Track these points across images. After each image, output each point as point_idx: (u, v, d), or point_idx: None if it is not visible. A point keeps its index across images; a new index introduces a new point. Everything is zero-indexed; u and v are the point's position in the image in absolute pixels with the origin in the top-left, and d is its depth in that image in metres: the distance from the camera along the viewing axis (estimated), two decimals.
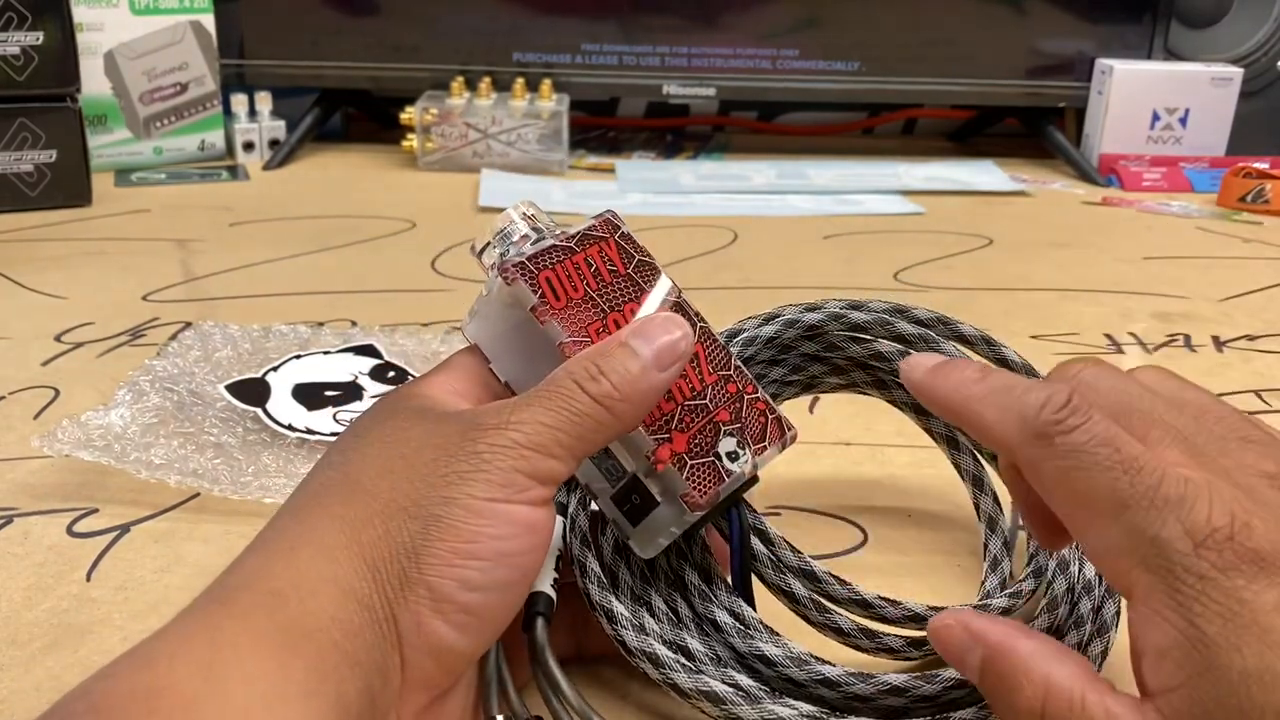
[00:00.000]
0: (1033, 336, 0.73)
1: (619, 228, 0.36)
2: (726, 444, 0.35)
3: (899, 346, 0.43)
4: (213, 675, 0.25)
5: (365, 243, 0.92)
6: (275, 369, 0.59)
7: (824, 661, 0.34)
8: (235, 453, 0.52)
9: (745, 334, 0.43)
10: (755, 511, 0.38)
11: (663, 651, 0.33)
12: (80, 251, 0.89)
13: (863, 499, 0.52)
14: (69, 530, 0.48)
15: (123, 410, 0.54)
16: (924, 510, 0.51)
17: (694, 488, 0.34)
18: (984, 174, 1.23)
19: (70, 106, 1.00)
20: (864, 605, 0.37)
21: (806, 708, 0.33)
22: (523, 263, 0.34)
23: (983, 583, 0.42)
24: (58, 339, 0.70)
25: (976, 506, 0.45)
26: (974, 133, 1.46)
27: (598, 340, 0.33)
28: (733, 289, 0.82)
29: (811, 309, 0.43)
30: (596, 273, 0.35)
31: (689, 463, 0.34)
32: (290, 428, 0.54)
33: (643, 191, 1.13)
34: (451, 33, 1.23)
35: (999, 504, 0.44)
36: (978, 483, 0.45)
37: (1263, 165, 1.12)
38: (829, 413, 0.61)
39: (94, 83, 1.11)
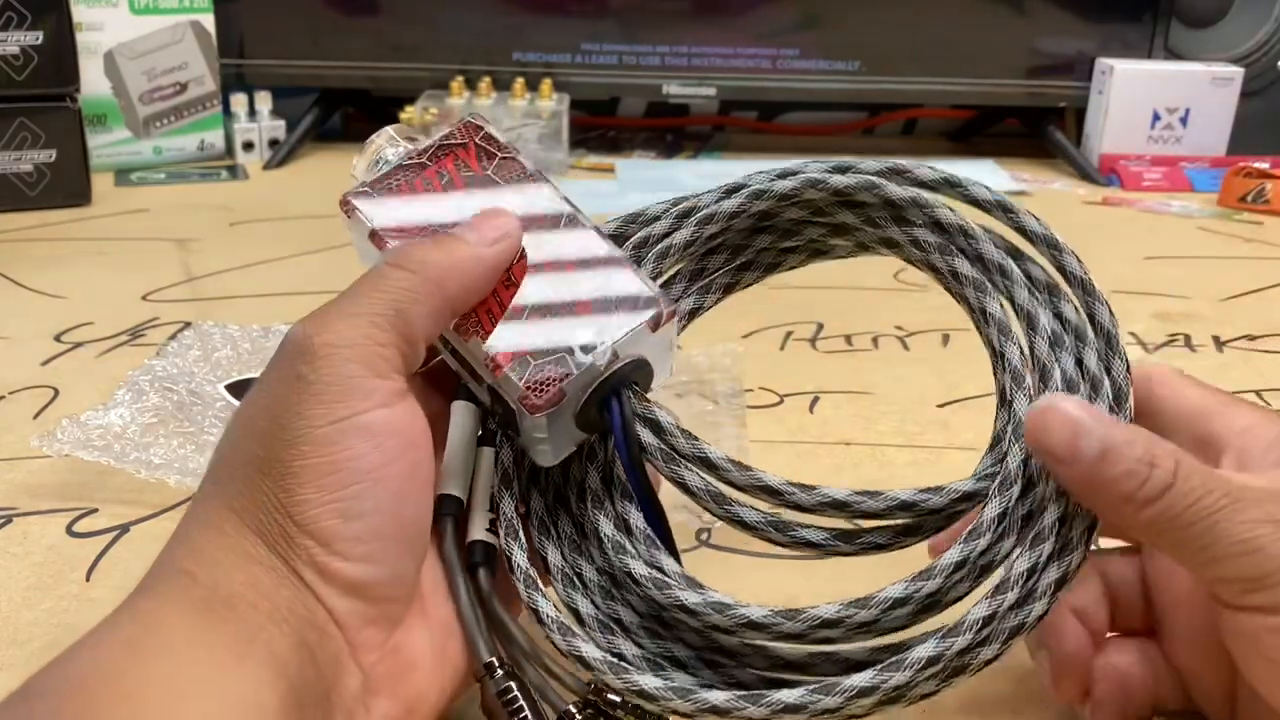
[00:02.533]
0: None
1: (481, 129, 0.34)
2: (581, 335, 0.32)
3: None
4: (137, 651, 0.26)
5: None
6: None
7: (742, 605, 0.31)
8: None
9: (702, 211, 0.37)
10: (649, 400, 0.34)
11: (591, 651, 0.31)
12: (80, 251, 0.89)
13: None
14: (69, 530, 0.48)
15: (122, 410, 0.54)
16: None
17: (532, 390, 0.32)
18: (984, 174, 1.22)
19: (70, 106, 1.00)
20: (770, 492, 0.33)
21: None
22: (364, 190, 0.33)
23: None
24: (57, 339, 0.70)
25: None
26: (974, 133, 1.46)
27: None
28: None
29: (784, 175, 0.38)
30: (448, 184, 0.33)
31: (532, 362, 0.32)
32: None
33: (643, 191, 1.13)
34: (451, 32, 1.22)
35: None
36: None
37: (1263, 165, 1.12)
38: (829, 413, 0.61)
39: (94, 82, 1.11)
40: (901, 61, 1.25)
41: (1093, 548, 0.31)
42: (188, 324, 0.70)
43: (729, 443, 0.55)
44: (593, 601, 0.33)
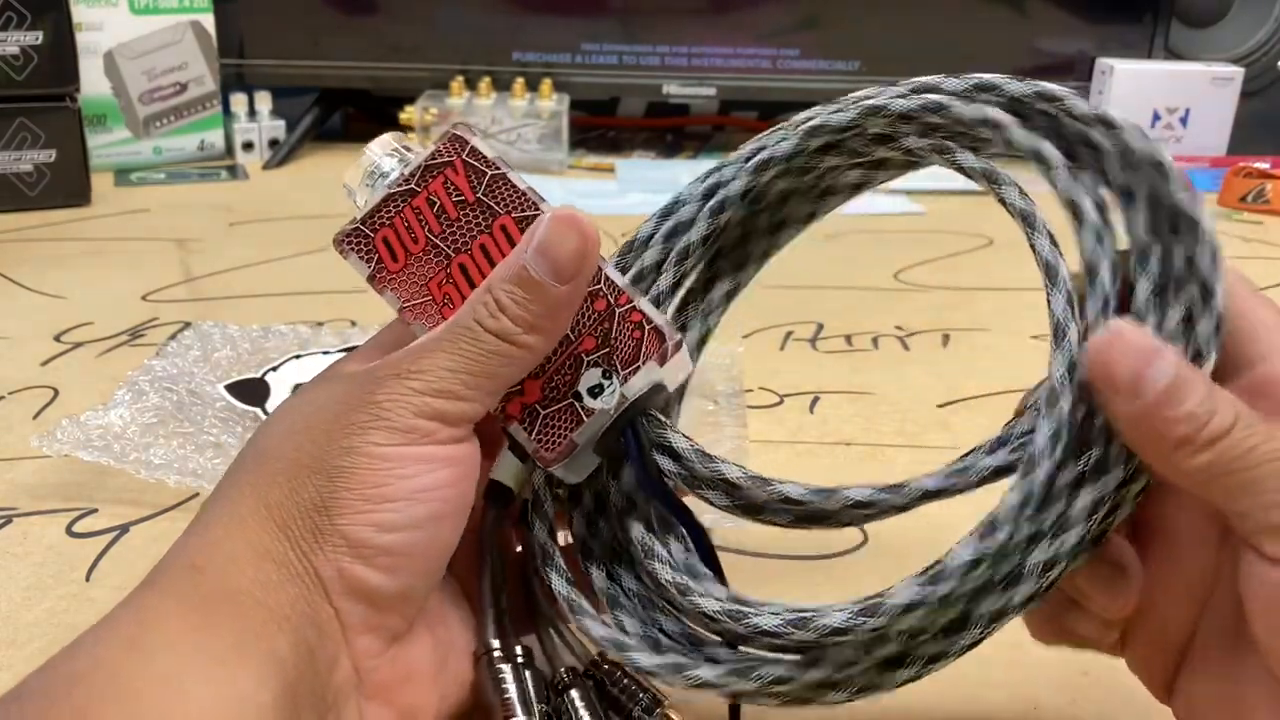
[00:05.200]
0: (1033, 337, 0.73)
1: (467, 143, 0.33)
2: (589, 378, 0.32)
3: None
4: (136, 647, 0.26)
5: None
6: (275, 369, 0.59)
7: (758, 607, 0.31)
8: (235, 453, 0.52)
9: (766, 150, 0.36)
10: (665, 425, 0.33)
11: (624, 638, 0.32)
12: (80, 251, 0.89)
13: None
14: (68, 530, 0.48)
15: (122, 410, 0.54)
16: (924, 510, 0.51)
17: (541, 443, 0.31)
18: None
19: (69, 106, 1.00)
20: (792, 502, 0.32)
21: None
22: (356, 229, 0.32)
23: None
24: (57, 339, 0.70)
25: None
26: None
27: (438, 295, 0.32)
28: None
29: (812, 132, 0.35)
30: (440, 211, 0.32)
31: (541, 413, 0.32)
32: None
33: (643, 191, 1.13)
34: (451, 32, 1.22)
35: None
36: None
37: (1263, 165, 1.12)
38: (829, 413, 0.61)
39: (93, 82, 1.11)
40: (901, 61, 1.25)
41: None
42: (188, 324, 0.70)
43: (729, 443, 0.55)
44: (638, 616, 0.34)
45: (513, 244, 0.32)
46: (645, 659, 0.31)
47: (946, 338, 0.73)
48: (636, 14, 1.23)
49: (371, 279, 0.32)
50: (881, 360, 0.69)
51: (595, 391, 0.32)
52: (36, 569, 0.45)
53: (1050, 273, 0.31)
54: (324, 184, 1.15)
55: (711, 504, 0.33)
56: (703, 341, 0.39)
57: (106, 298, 0.77)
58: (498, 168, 0.32)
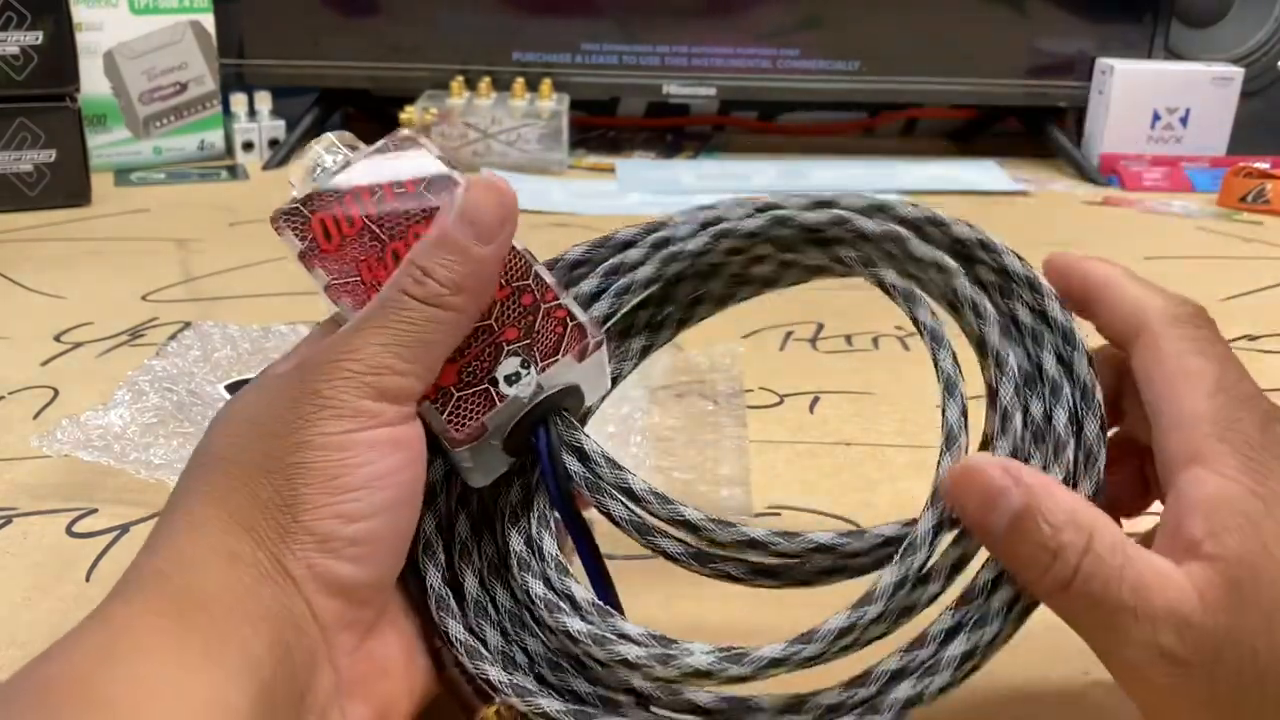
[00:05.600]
0: None
1: (415, 141, 0.34)
2: (507, 365, 0.32)
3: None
4: (106, 656, 0.26)
5: None
6: None
7: (625, 639, 0.31)
8: None
9: (724, 224, 0.36)
10: (577, 427, 0.34)
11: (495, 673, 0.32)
12: (80, 251, 0.89)
13: (863, 499, 0.52)
14: (68, 530, 0.48)
15: (122, 410, 0.54)
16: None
17: (452, 424, 0.32)
18: (984, 174, 1.22)
19: (69, 106, 1.00)
20: (689, 527, 0.32)
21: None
22: (294, 208, 0.33)
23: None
24: (57, 339, 0.70)
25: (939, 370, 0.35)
26: (974, 133, 1.46)
27: (368, 277, 0.32)
28: None
29: (755, 212, 0.36)
30: (380, 198, 0.33)
31: (455, 395, 0.32)
32: None
33: (643, 191, 1.13)
34: (451, 33, 1.22)
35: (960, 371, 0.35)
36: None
37: (1263, 165, 1.12)
38: (829, 413, 0.61)
39: (93, 82, 1.11)
40: (901, 61, 1.25)
41: None
42: (187, 324, 0.70)
43: (729, 443, 0.55)
44: (502, 628, 0.33)
45: None
46: (496, 673, 0.31)
47: None
48: (636, 14, 1.23)
49: (302, 255, 0.32)
50: (881, 360, 0.69)
51: (512, 380, 0.32)
52: (36, 569, 0.45)
53: (949, 386, 0.34)
54: None
55: (609, 514, 0.33)
56: (644, 353, 0.39)
57: (106, 298, 0.77)
58: (442, 166, 0.33)
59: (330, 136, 0.34)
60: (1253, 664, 0.26)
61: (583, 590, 0.33)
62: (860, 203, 0.35)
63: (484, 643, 0.33)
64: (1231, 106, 1.24)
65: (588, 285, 0.36)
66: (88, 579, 0.45)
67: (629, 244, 0.37)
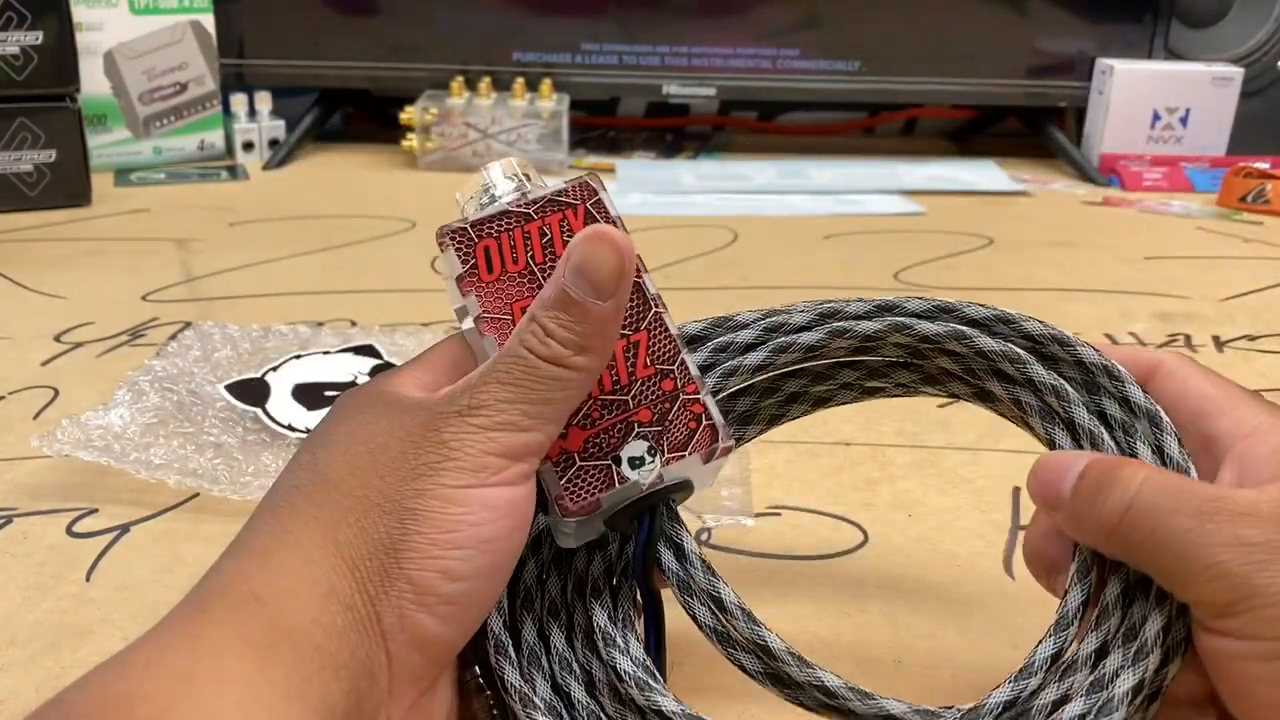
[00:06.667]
0: None
1: (595, 193, 0.33)
2: (634, 447, 0.32)
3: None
4: (187, 682, 0.25)
5: (365, 243, 0.92)
6: (275, 369, 0.59)
7: None
8: (235, 453, 0.52)
9: (781, 338, 0.36)
10: (681, 523, 0.34)
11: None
12: (80, 251, 0.89)
13: (863, 499, 0.52)
14: (69, 530, 0.48)
15: (122, 410, 0.54)
16: (924, 510, 0.51)
17: (569, 492, 0.31)
18: (984, 174, 1.22)
19: (70, 106, 1.00)
20: (768, 653, 0.32)
21: None
22: (463, 229, 0.32)
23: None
24: (57, 339, 0.70)
25: None
26: (974, 133, 1.46)
27: (518, 317, 0.31)
28: (733, 289, 0.82)
29: (874, 313, 0.37)
30: (549, 243, 0.32)
31: (578, 463, 0.31)
32: (290, 428, 0.54)
33: (643, 191, 1.13)
34: (451, 33, 1.22)
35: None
36: None
37: (1263, 165, 1.12)
38: (829, 413, 0.61)
39: (94, 82, 1.11)
40: (901, 61, 1.25)
41: None
42: (188, 324, 0.70)
43: None
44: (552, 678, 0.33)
45: None
46: None
47: None
48: (636, 14, 1.23)
49: (460, 279, 0.32)
50: None
51: (635, 463, 0.32)
52: (36, 569, 0.45)
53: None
54: (324, 184, 1.15)
55: (695, 618, 0.33)
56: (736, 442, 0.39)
57: (106, 298, 0.77)
58: (616, 225, 0.32)
59: (512, 161, 0.34)
60: None
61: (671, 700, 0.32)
62: (986, 313, 0.36)
63: (535, 693, 0.32)
64: (1231, 106, 1.24)
65: (753, 358, 0.36)
66: (88, 579, 0.45)
67: (744, 326, 0.37)
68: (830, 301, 0.37)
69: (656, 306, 0.32)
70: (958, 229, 1.02)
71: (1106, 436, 0.33)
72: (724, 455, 0.33)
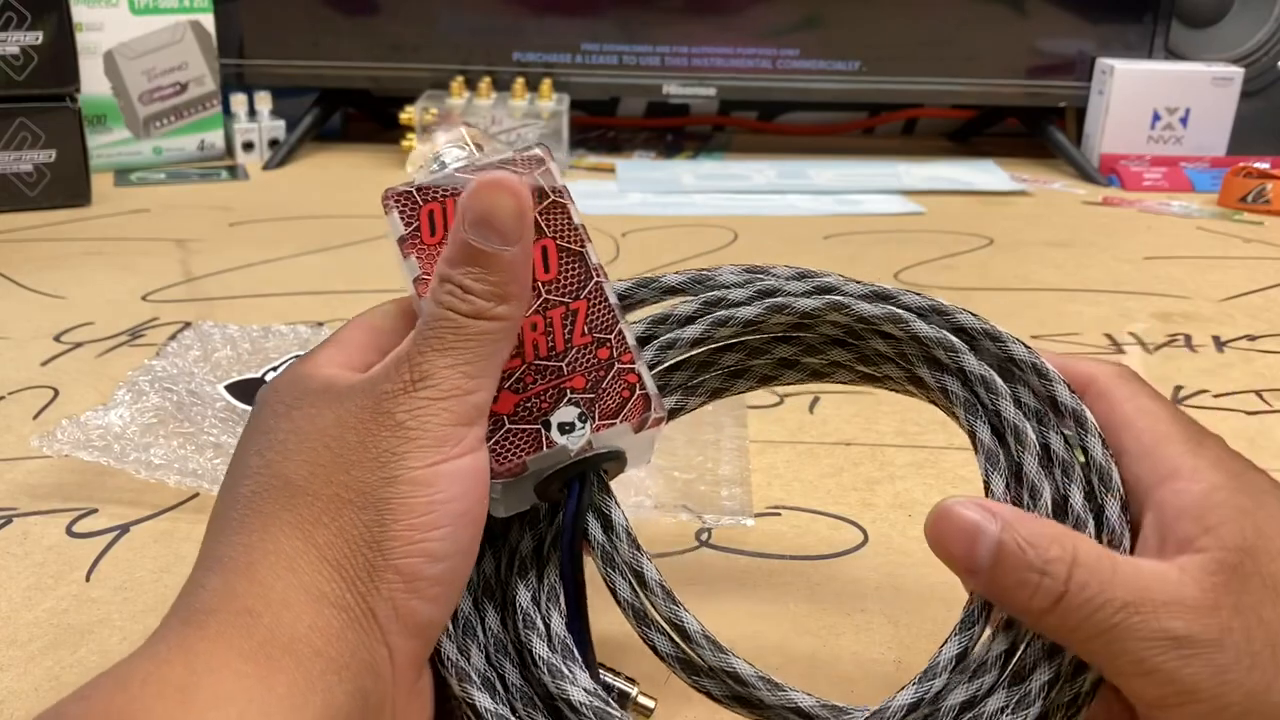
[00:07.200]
0: (1033, 336, 0.73)
1: (543, 162, 0.33)
2: (565, 413, 0.32)
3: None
4: (188, 699, 0.25)
5: (365, 243, 0.92)
6: (275, 369, 0.59)
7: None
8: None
9: (721, 311, 0.36)
10: (611, 494, 0.33)
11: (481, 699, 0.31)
12: (80, 251, 0.89)
13: (863, 499, 0.52)
14: (69, 530, 0.48)
15: (122, 410, 0.54)
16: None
17: (495, 454, 0.31)
18: (984, 174, 1.22)
19: (70, 106, 1.00)
20: (683, 634, 0.31)
21: None
22: (408, 191, 0.32)
23: None
24: (57, 339, 0.70)
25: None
26: (974, 133, 1.46)
27: None
28: None
29: (814, 291, 0.36)
30: None
31: (506, 425, 0.31)
32: None
33: (643, 191, 1.13)
34: (451, 33, 1.22)
35: None
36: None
37: (1263, 165, 1.12)
38: (829, 413, 0.61)
39: (94, 83, 1.11)
40: (901, 61, 1.25)
41: None
42: (188, 324, 0.70)
43: (729, 443, 0.55)
44: (486, 653, 0.33)
45: (548, 269, 0.32)
46: (483, 699, 0.31)
47: None
48: (636, 14, 1.23)
49: (402, 240, 0.32)
50: None
51: (565, 428, 0.32)
52: (36, 569, 0.45)
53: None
54: (324, 184, 1.15)
55: (614, 591, 0.32)
56: (673, 415, 0.38)
57: (106, 298, 0.77)
58: (560, 195, 0.33)
59: (460, 131, 0.34)
60: (1262, 630, 0.27)
61: (585, 677, 0.32)
62: (921, 303, 0.36)
63: (470, 664, 0.32)
64: (1231, 106, 1.24)
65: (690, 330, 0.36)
66: (88, 579, 0.45)
67: (677, 289, 0.36)
68: (757, 267, 0.36)
69: (598, 276, 0.33)
70: (958, 229, 1.02)
71: (1030, 433, 0.33)
72: (656, 426, 0.33)
